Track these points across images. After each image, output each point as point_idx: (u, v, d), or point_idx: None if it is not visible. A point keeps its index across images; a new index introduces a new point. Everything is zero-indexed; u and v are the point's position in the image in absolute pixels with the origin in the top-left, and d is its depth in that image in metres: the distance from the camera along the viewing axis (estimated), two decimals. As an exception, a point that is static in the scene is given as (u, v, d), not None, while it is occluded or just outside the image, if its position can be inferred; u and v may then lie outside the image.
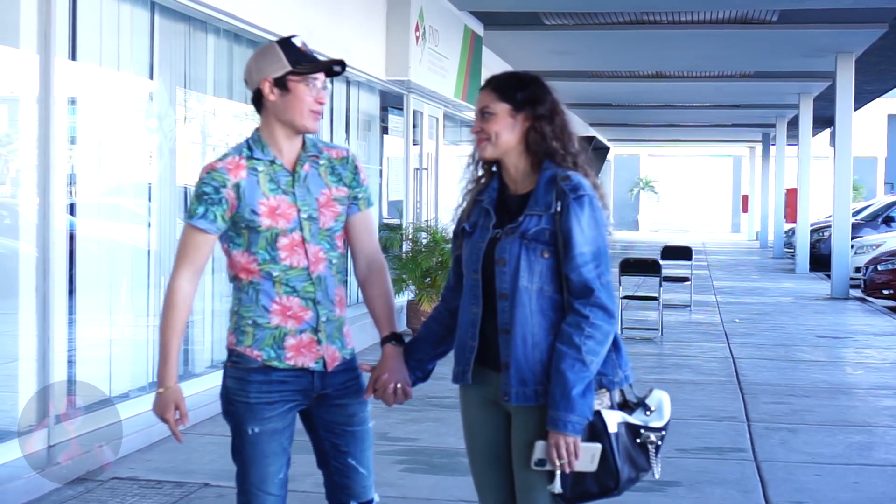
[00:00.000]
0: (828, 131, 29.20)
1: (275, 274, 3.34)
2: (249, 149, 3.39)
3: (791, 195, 27.62)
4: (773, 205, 31.81)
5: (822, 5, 14.11)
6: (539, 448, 3.17)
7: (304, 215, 3.36)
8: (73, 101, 6.69)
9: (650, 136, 42.40)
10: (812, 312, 15.50)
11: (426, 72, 13.26)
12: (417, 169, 14.37)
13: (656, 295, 12.61)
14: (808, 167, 23.62)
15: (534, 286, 3.23)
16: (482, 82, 3.46)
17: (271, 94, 3.34)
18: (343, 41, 10.86)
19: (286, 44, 3.38)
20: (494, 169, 3.43)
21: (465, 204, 3.48)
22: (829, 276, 18.89)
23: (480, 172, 3.46)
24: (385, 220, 13.67)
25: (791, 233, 27.36)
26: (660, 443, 3.29)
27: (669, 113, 30.86)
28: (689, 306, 15.17)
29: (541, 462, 3.17)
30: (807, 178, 23.49)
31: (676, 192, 53.79)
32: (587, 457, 3.16)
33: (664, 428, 3.31)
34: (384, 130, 13.88)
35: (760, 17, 15.23)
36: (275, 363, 3.36)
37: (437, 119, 15.42)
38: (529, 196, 3.30)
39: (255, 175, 3.35)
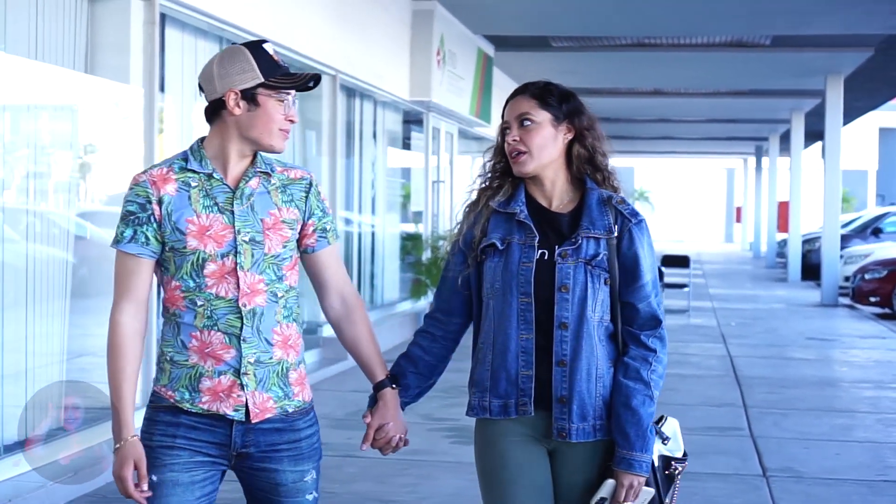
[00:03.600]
0: (820, 143, 30.27)
1: (198, 304, 2.89)
2: (185, 160, 2.95)
3: (783, 207, 28.67)
4: (765, 215, 32.84)
5: (813, 31, 15.18)
6: (607, 487, 3.03)
7: (244, 237, 2.90)
8: (161, 129, 7.72)
9: (645, 148, 43.38)
10: (803, 318, 16.53)
11: (445, 92, 14.33)
12: (435, 181, 15.42)
13: (659, 299, 13.67)
14: (799, 180, 24.73)
15: (596, 315, 3.03)
16: (493, 100, 3.24)
17: (236, 108, 2.89)
18: (375, 67, 11.95)
19: (257, 50, 2.93)
20: (513, 179, 3.16)
21: (476, 217, 3.16)
22: (819, 284, 19.95)
23: (498, 182, 3.17)
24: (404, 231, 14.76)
25: (783, 243, 28.41)
26: (681, 473, 3.16)
27: (665, 126, 31.87)
28: (688, 311, 16.21)
29: (602, 502, 3.03)
30: (798, 191, 24.58)
31: (671, 202, 54.73)
32: (642, 501, 3.05)
33: (685, 458, 3.18)
34: (406, 146, 14.95)
35: (754, 41, 16.32)
36: (186, 406, 2.90)
37: (453, 135, 16.47)
38: (576, 215, 3.09)
39: (185, 190, 2.91)
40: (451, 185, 16.46)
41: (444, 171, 15.90)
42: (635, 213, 3.12)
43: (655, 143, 39.70)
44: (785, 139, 29.77)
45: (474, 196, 3.23)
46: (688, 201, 54.90)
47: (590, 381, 3.02)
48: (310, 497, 3.00)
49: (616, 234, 3.06)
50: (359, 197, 12.64)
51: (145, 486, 2.85)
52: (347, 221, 12.15)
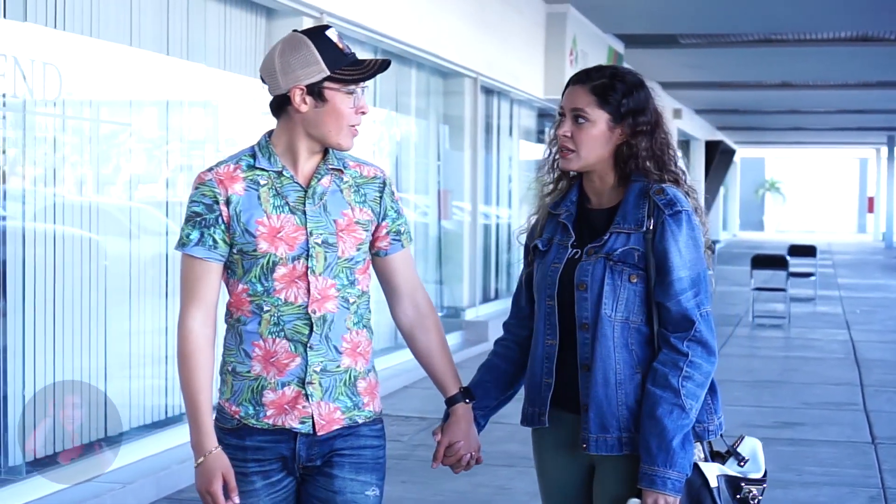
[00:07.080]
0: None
1: (265, 309, 2.72)
2: (253, 157, 2.76)
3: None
4: (897, 206, 32.74)
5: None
6: None
7: (316, 240, 2.72)
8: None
9: (776, 139, 43.34)
10: (930, 307, 16.85)
11: (577, 90, 15.06)
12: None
13: (784, 287, 14.25)
14: (930, 170, 24.78)
15: (618, 315, 2.77)
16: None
17: (303, 104, 2.68)
18: (512, 68, 12.80)
19: (321, 39, 2.68)
20: (573, 175, 2.92)
21: (537, 217, 2.98)
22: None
23: (555, 178, 2.95)
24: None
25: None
26: (761, 497, 2.84)
27: (795, 118, 31.98)
28: (814, 299, 16.64)
29: None
30: (929, 181, 24.64)
31: (802, 193, 54.36)
32: None
33: (764, 479, 2.86)
34: (540, 140, 15.75)
35: (880, 36, 16.66)
36: (252, 422, 2.74)
37: (583, 130, 17.21)
38: (615, 211, 2.84)
39: (254, 189, 2.72)
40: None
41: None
42: (672, 204, 2.77)
43: (785, 133, 39.69)
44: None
45: (536, 191, 3.03)
46: (819, 192, 54.46)
47: (608, 388, 2.76)
48: None
49: (650, 227, 2.77)
50: (496, 189, 13.49)
51: (237, 500, 2.67)
52: (486, 216, 13.01)
